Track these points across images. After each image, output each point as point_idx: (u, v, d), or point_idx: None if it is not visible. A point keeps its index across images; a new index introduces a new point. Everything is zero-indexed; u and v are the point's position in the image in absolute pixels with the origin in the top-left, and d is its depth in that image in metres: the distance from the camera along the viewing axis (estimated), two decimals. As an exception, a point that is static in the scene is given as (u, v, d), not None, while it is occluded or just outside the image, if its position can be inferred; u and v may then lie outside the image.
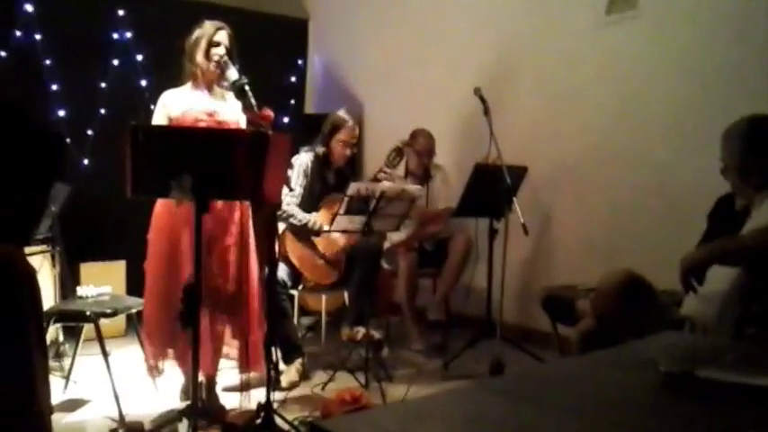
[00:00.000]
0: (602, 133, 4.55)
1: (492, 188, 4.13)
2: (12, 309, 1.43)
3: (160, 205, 3.31)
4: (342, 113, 4.41)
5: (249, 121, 3.29)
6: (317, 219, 4.18)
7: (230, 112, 3.37)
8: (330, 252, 4.30)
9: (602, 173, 4.56)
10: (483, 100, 4.32)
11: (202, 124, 3.29)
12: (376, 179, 4.30)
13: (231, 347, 3.55)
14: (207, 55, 3.31)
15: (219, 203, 3.27)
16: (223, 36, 3.34)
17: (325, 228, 4.07)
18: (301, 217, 4.17)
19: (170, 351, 3.33)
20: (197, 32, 3.34)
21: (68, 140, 4.86)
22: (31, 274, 1.55)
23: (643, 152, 4.34)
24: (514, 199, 4.10)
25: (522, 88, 5.01)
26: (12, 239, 1.46)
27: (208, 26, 3.35)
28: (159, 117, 3.35)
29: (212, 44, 3.31)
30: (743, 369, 1.39)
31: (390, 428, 1.15)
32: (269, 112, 3.15)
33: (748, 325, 2.46)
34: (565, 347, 3.82)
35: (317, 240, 4.25)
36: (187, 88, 3.38)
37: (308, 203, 4.26)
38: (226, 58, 3.29)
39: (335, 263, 4.33)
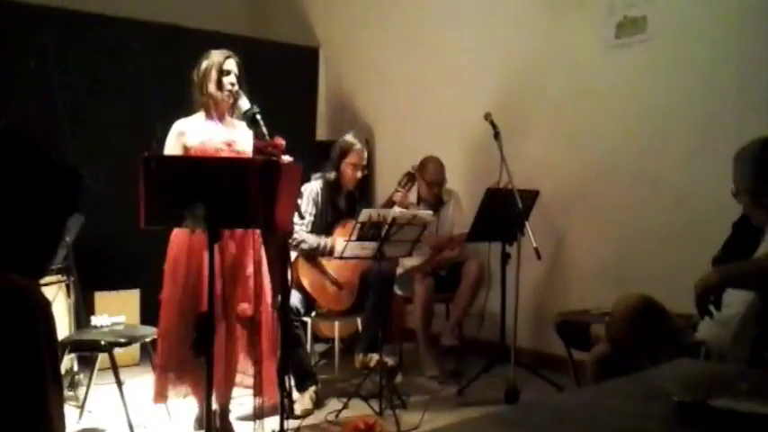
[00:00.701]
0: (613, 156, 4.55)
1: (504, 212, 4.13)
2: (26, 341, 1.44)
3: (176, 235, 3.34)
4: (350, 137, 4.42)
5: (256, 149, 3.30)
6: (328, 240, 4.19)
7: (244, 141, 3.40)
8: (343, 278, 4.30)
9: (614, 195, 4.55)
10: (493, 125, 4.34)
11: (223, 154, 3.32)
12: (391, 200, 4.30)
13: (245, 375, 3.55)
14: (219, 85, 3.34)
15: (240, 231, 3.30)
16: (232, 64, 3.37)
17: (338, 248, 4.08)
18: (311, 240, 4.18)
19: (184, 382, 3.33)
20: (205, 63, 3.37)
21: (81, 171, 4.90)
22: (45, 305, 1.57)
23: (656, 174, 4.33)
24: (526, 223, 4.10)
25: (533, 112, 5.02)
26: (27, 273, 1.48)
27: (216, 56, 3.38)
28: (173, 146, 3.37)
29: (223, 73, 3.34)
30: (757, 398, 1.37)
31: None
32: (280, 141, 3.17)
33: (764, 348, 2.43)
34: (580, 372, 3.79)
35: (329, 265, 4.26)
36: (200, 118, 3.41)
37: (320, 230, 4.27)
38: (237, 87, 3.33)
39: (348, 288, 4.32)
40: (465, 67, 5.49)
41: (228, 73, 3.34)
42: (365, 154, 4.41)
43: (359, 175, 4.38)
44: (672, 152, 4.27)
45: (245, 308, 3.32)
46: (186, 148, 3.34)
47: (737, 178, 2.64)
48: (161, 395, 3.35)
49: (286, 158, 3.08)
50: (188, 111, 3.44)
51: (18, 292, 1.41)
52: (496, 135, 4.31)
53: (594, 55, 4.65)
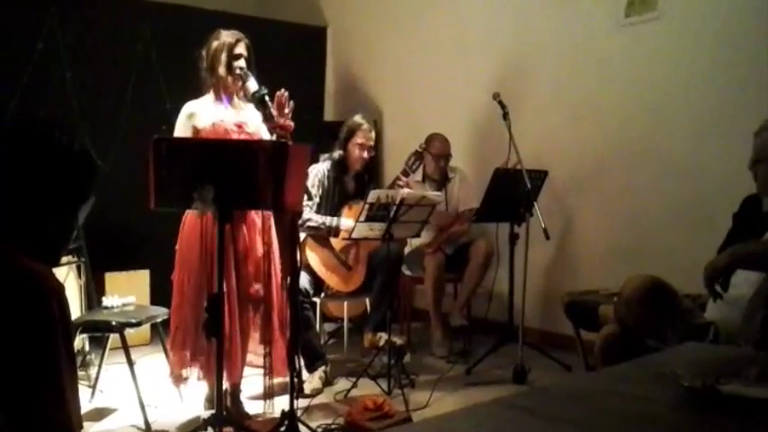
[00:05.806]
0: (622, 136, 4.53)
1: (512, 193, 4.12)
2: (41, 325, 1.45)
3: (188, 217, 3.34)
4: (357, 118, 4.42)
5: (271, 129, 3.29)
6: (334, 219, 4.21)
7: (254, 122, 3.39)
8: (351, 259, 4.30)
9: (623, 176, 4.54)
10: (502, 105, 4.32)
11: (234, 136, 3.31)
12: (394, 186, 4.28)
13: (255, 355, 3.58)
14: (229, 68, 3.32)
15: (252, 212, 3.31)
16: (243, 48, 3.35)
17: (343, 227, 4.09)
18: (317, 219, 4.20)
19: (196, 363, 3.36)
20: (215, 44, 3.34)
21: (92, 151, 4.91)
22: (59, 290, 1.58)
23: (665, 155, 4.31)
24: (535, 203, 4.09)
25: (541, 92, 4.99)
26: (42, 260, 1.49)
27: (226, 37, 3.34)
28: (183, 127, 3.36)
29: (233, 57, 3.32)
30: (766, 383, 1.38)
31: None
32: (289, 122, 3.18)
33: (773, 330, 2.43)
34: (588, 353, 3.80)
35: (337, 246, 4.26)
36: (209, 99, 3.39)
37: (327, 211, 4.28)
38: (246, 69, 3.31)
39: (356, 269, 4.33)
40: (473, 47, 5.46)
41: (239, 57, 3.31)
42: (372, 134, 4.41)
43: (366, 155, 4.37)
44: (680, 132, 4.24)
45: (258, 288, 3.33)
46: (197, 130, 3.32)
47: (760, 147, 2.62)
48: (179, 378, 3.38)
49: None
50: (197, 92, 3.43)
51: (33, 277, 1.42)
52: (505, 115, 4.29)
53: (604, 34, 4.61)
